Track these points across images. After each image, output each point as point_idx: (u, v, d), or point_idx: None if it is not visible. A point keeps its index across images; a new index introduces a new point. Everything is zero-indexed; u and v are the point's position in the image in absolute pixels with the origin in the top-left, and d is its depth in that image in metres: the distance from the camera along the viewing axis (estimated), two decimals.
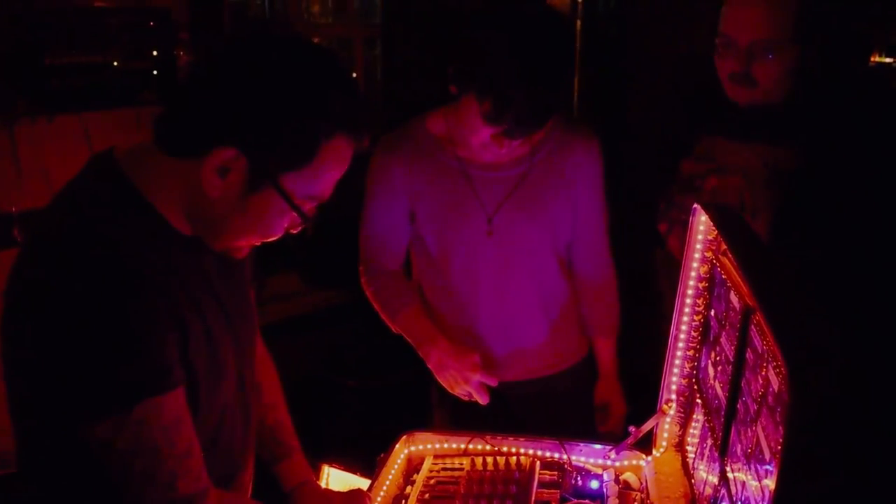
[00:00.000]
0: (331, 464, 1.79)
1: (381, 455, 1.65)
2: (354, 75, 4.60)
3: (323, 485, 1.69)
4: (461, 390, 1.81)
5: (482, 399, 1.78)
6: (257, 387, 1.46)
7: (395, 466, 1.65)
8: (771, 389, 1.02)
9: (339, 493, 1.54)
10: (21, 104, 2.84)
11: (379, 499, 1.55)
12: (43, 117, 2.87)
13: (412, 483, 1.61)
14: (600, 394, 2.10)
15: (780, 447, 0.89)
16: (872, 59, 3.01)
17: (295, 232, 1.17)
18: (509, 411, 1.96)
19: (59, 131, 2.91)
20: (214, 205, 1.09)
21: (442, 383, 1.85)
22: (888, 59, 3.08)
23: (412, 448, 1.72)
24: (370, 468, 1.64)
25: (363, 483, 1.62)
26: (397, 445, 1.68)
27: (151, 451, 1.06)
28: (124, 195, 1.10)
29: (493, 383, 1.79)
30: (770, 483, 0.95)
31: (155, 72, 2.99)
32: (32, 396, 1.08)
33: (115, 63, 2.94)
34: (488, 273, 1.88)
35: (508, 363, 1.95)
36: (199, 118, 1.06)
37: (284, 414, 1.54)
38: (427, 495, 1.56)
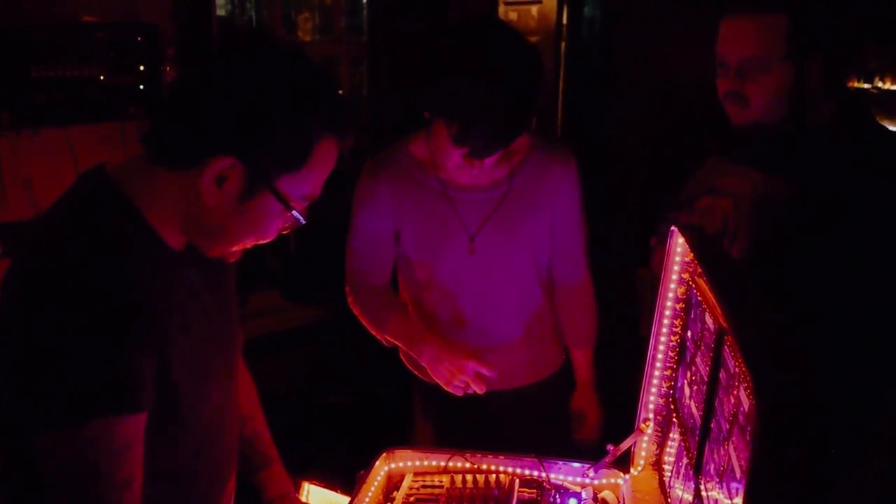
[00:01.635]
0: (310, 480, 1.80)
1: (361, 472, 1.65)
2: (340, 92, 4.64)
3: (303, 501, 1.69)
4: (458, 383, 1.80)
5: (479, 388, 1.78)
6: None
7: (375, 483, 1.65)
8: (742, 409, 1.04)
9: None
10: (6, 117, 2.84)
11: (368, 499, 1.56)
12: (28, 130, 2.87)
13: (392, 500, 1.62)
14: (577, 402, 2.15)
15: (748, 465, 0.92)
16: (851, 84, 3.07)
17: (287, 232, 1.19)
18: (489, 419, 1.99)
19: (44, 145, 2.91)
20: (211, 212, 1.11)
21: (437, 379, 1.84)
22: (866, 85, 3.14)
23: (392, 465, 1.72)
24: (350, 485, 1.64)
25: (343, 500, 1.62)
26: (377, 462, 1.68)
27: (91, 472, 1.02)
28: (119, 211, 1.10)
29: (489, 373, 1.78)
30: (739, 501, 0.98)
31: (142, 87, 3.00)
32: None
33: (102, 77, 2.95)
34: (471, 290, 1.93)
35: (506, 369, 1.97)
36: (193, 130, 1.07)
37: (263, 425, 1.55)
38: None
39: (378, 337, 1.98)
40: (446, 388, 1.83)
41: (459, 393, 1.82)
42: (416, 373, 2.06)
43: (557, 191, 1.93)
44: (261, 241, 1.19)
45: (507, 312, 1.98)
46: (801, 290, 1.47)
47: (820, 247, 1.50)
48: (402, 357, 2.08)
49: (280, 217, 1.14)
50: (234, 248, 1.20)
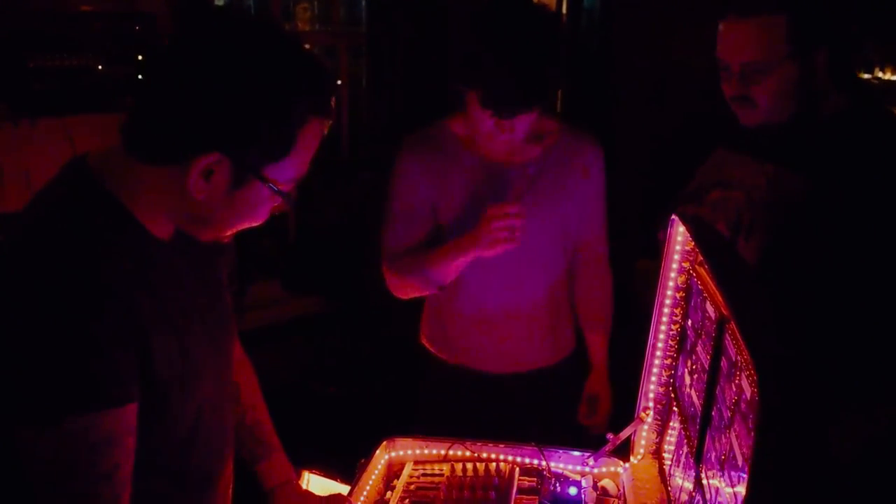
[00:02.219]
0: (311, 470, 1.80)
1: (362, 461, 1.66)
2: (339, 83, 4.63)
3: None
4: (503, 228, 1.80)
5: (512, 209, 1.78)
6: (236, 387, 1.46)
7: (376, 472, 1.66)
8: (744, 397, 1.04)
9: (319, 496, 1.55)
10: (3, 108, 2.83)
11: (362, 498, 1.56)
12: (26, 121, 2.86)
13: (392, 489, 1.62)
14: (591, 386, 2.18)
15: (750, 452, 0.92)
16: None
17: (278, 213, 1.19)
18: (497, 401, 2.05)
19: (42, 135, 2.90)
20: (200, 205, 1.09)
21: (486, 241, 1.81)
22: (866, 75, 3.13)
23: (392, 454, 1.73)
24: (350, 474, 1.64)
25: (343, 489, 1.63)
26: (378, 451, 1.69)
27: (70, 466, 1.02)
28: (99, 203, 1.08)
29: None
30: (742, 489, 0.98)
31: (140, 76, 2.99)
32: None
33: (100, 67, 2.94)
34: (500, 264, 1.96)
35: (508, 354, 2.05)
36: (175, 127, 1.05)
37: (264, 414, 1.55)
38: (407, 501, 1.57)
39: (425, 288, 1.99)
40: (496, 245, 1.80)
41: (509, 239, 1.79)
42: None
43: (585, 175, 2.01)
44: (253, 225, 1.19)
45: (531, 289, 2.03)
46: (821, 282, 1.44)
47: (844, 238, 1.47)
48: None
49: (270, 200, 1.14)
50: (227, 234, 1.19)
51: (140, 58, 3.01)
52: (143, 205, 1.10)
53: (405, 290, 2.02)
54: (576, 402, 2.18)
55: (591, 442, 1.68)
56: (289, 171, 1.11)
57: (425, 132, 2.01)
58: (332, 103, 1.13)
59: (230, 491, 1.41)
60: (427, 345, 2.15)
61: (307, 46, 1.15)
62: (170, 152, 1.06)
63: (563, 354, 2.14)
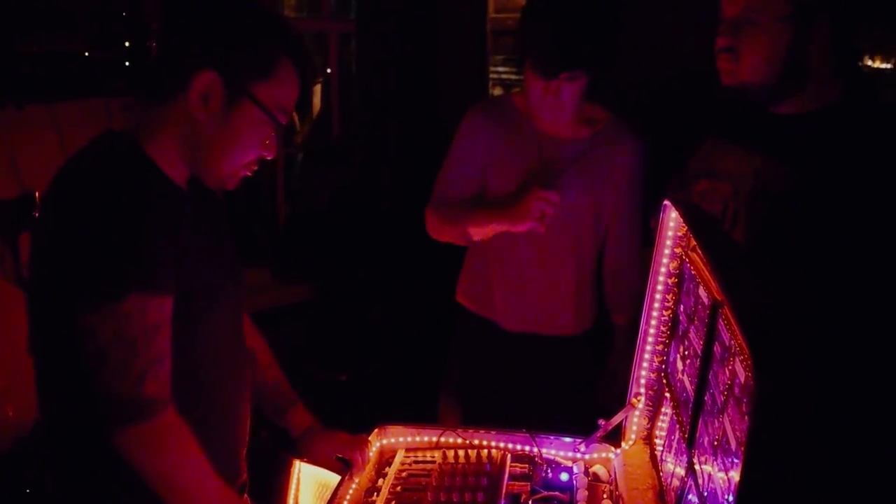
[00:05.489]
0: (301, 458, 1.79)
1: None
2: (329, 70, 4.61)
3: (294, 480, 1.69)
4: (538, 210, 2.00)
5: (554, 197, 1.98)
6: (252, 352, 1.61)
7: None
8: (737, 381, 1.04)
9: (345, 435, 1.66)
10: None
11: (351, 492, 1.56)
12: (12, 107, 2.83)
13: (384, 476, 1.62)
14: (610, 365, 2.26)
15: (744, 436, 0.91)
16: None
17: (269, 157, 1.38)
18: (523, 359, 2.21)
19: (29, 121, 2.87)
20: (202, 128, 1.30)
21: (519, 215, 2.01)
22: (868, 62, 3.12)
23: (384, 441, 1.72)
24: (342, 462, 1.64)
25: (335, 477, 1.62)
26: (370, 438, 1.68)
27: (130, 343, 1.18)
28: (129, 152, 1.29)
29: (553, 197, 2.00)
30: (735, 474, 0.98)
31: (127, 62, 2.96)
32: (45, 291, 1.25)
33: (86, 53, 2.91)
34: (533, 233, 2.10)
35: (533, 315, 2.20)
36: (175, 56, 1.32)
37: (280, 372, 1.68)
38: (399, 488, 1.57)
39: (456, 238, 2.21)
40: (525, 222, 2.00)
41: (541, 219, 1.99)
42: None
43: (624, 165, 2.13)
44: (248, 159, 1.36)
45: (564, 259, 2.17)
46: (802, 275, 1.44)
47: (825, 234, 1.45)
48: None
49: (262, 127, 1.33)
50: (229, 168, 1.35)
51: (127, 43, 2.98)
52: (160, 150, 1.31)
53: (440, 232, 2.24)
54: (588, 375, 2.27)
55: (585, 423, 1.68)
56: (273, 96, 1.32)
57: (493, 100, 2.33)
58: (303, 53, 1.37)
59: (244, 449, 1.52)
60: (461, 300, 2.32)
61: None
62: (174, 79, 1.29)
63: (584, 328, 2.25)
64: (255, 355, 1.62)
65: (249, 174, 1.41)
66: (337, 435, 1.66)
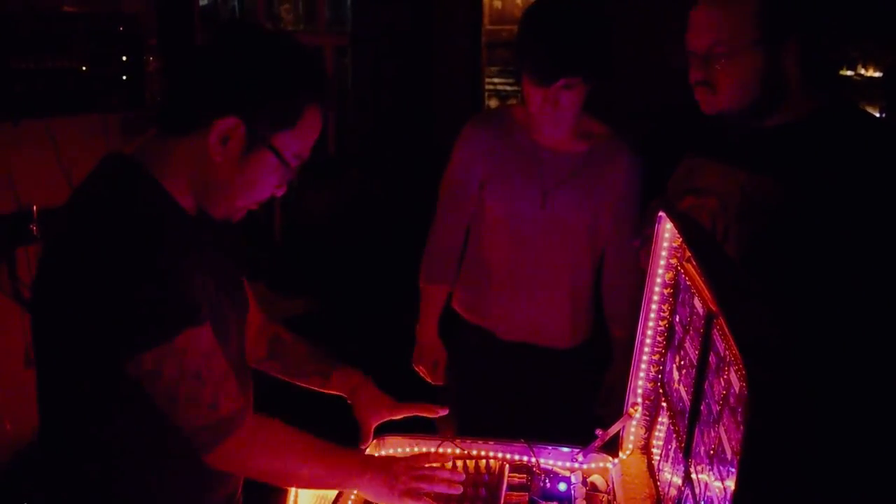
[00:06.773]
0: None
1: None
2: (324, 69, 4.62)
3: (292, 491, 1.70)
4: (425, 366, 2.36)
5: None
6: (277, 333, 1.73)
7: None
8: (732, 391, 1.05)
9: (388, 398, 1.71)
10: None
11: (350, 501, 1.56)
12: (8, 123, 2.84)
13: None
14: (609, 378, 2.28)
15: (739, 446, 0.93)
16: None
17: (279, 194, 1.37)
18: (522, 370, 2.24)
19: (25, 136, 2.88)
20: (217, 169, 1.28)
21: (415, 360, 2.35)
22: (849, 72, 3.15)
23: (383, 452, 1.73)
24: None
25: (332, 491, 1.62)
26: (368, 449, 1.69)
27: (194, 375, 1.23)
28: (141, 180, 1.27)
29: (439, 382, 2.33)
30: (731, 483, 0.99)
31: (124, 77, 2.97)
32: (74, 343, 1.24)
33: (83, 68, 2.92)
34: (535, 240, 2.16)
35: (528, 325, 2.22)
36: (202, 95, 1.27)
37: (310, 345, 1.76)
38: None
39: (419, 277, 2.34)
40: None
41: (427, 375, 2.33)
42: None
43: (624, 178, 2.13)
44: (260, 199, 1.35)
45: (560, 271, 2.19)
46: (797, 286, 1.44)
47: (818, 244, 1.46)
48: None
49: (275, 173, 1.31)
50: (238, 205, 1.35)
51: (124, 59, 2.99)
52: (171, 179, 1.28)
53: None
54: (583, 388, 2.28)
55: (580, 436, 1.69)
56: (293, 146, 1.30)
57: (491, 112, 2.33)
58: (331, 97, 1.34)
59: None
60: (457, 308, 2.34)
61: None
62: (195, 118, 1.26)
63: (580, 340, 2.26)
64: (279, 335, 1.73)
65: (256, 209, 1.40)
66: (383, 397, 1.71)
